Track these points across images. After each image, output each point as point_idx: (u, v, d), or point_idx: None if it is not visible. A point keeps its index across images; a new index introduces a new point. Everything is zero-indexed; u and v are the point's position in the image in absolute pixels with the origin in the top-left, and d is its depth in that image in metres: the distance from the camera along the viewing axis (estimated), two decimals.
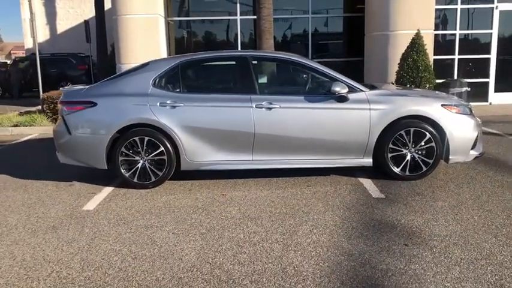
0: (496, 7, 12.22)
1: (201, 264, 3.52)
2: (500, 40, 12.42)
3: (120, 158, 5.45)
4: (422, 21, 11.26)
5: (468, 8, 12.41)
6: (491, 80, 12.61)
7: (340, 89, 5.26)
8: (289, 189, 5.36)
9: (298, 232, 4.08)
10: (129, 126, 5.41)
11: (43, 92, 12.12)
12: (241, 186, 5.53)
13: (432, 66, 10.59)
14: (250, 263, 3.52)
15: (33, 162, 7.21)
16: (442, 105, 5.45)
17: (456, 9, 12.28)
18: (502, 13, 12.26)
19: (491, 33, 12.40)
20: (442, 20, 12.57)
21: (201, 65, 5.91)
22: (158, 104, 5.40)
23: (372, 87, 5.74)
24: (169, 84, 5.60)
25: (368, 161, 5.49)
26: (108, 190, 5.52)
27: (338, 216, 4.45)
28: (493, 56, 12.51)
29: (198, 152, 5.45)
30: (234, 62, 5.65)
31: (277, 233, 4.06)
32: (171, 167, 5.48)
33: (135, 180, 5.49)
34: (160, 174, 5.49)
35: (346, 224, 4.25)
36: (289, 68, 5.81)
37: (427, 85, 10.39)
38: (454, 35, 12.49)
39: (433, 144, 5.41)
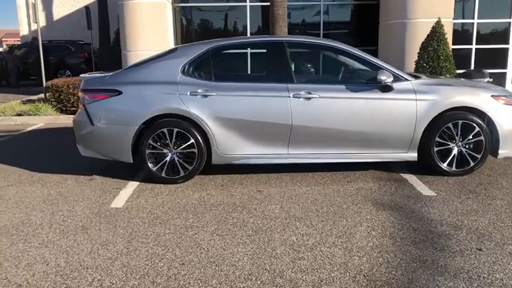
0: None
1: (258, 271, 3.16)
2: None
3: (147, 151, 5.06)
4: (442, 10, 10.87)
5: None
6: (509, 70, 12.29)
7: (386, 77, 4.90)
8: (329, 185, 5.00)
9: (356, 234, 3.72)
10: (157, 116, 5.01)
11: (50, 80, 11.61)
12: (276, 181, 5.17)
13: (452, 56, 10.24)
14: (314, 270, 3.16)
15: (45, 153, 6.79)
16: (491, 96, 5.10)
17: None
18: None
19: (509, 22, 12.05)
20: (460, 8, 12.19)
21: (233, 51, 5.51)
22: (188, 93, 5.00)
23: (415, 76, 5.38)
24: (200, 72, 5.20)
25: (413, 155, 5.14)
26: (133, 185, 5.14)
27: (393, 216, 4.11)
28: (511, 46, 12.18)
29: (231, 145, 5.07)
30: (268, 48, 5.25)
31: (333, 236, 3.71)
32: (201, 161, 5.10)
33: (163, 174, 5.10)
34: (190, 168, 5.10)
35: (405, 225, 3.90)
36: (328, 54, 5.44)
37: (448, 75, 10.05)
38: (472, 24, 12.12)
39: (481, 137, 5.07)
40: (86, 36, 18.27)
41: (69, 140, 7.59)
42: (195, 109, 4.97)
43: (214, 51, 5.22)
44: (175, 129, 5.02)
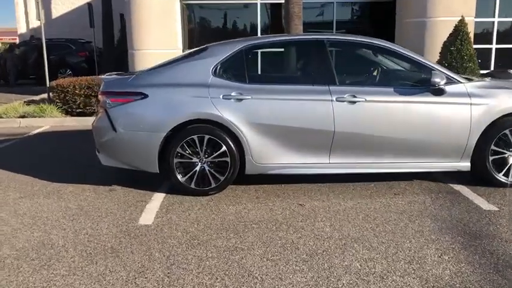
0: None
1: None
2: None
3: (175, 160, 4.59)
4: (464, 8, 10.46)
5: None
6: None
7: (440, 80, 4.46)
8: (376, 198, 4.56)
9: (426, 259, 3.28)
10: (186, 122, 4.55)
11: (50, 79, 11.10)
12: (316, 193, 4.72)
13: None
14: None
15: (56, 159, 6.31)
16: None
17: None
18: None
19: None
20: (479, 7, 11.76)
21: (269, 51, 5.05)
22: (221, 96, 4.54)
23: (467, 78, 4.94)
24: (232, 73, 4.74)
25: (465, 164, 4.70)
26: (159, 197, 4.67)
27: (460, 235, 3.67)
28: None
29: (267, 153, 4.61)
30: (308, 47, 4.79)
31: (401, 261, 3.26)
32: (234, 171, 4.64)
33: (193, 185, 4.64)
34: (222, 178, 4.64)
35: (478, 247, 3.47)
36: (373, 54, 4.98)
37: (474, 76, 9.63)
38: (492, 22, 11.72)
39: None
40: (85, 34, 17.77)
41: (79, 145, 7.15)
42: (229, 114, 4.52)
43: (247, 50, 4.76)
44: (207, 136, 4.56)
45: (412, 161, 4.68)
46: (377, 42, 4.81)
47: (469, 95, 4.58)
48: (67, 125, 9.25)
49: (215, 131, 4.55)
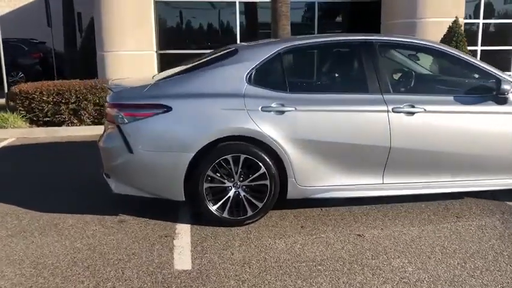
0: None
1: None
2: None
3: (205, 185, 3.82)
4: (454, 9, 10.22)
5: None
6: None
7: (510, 87, 3.93)
8: (438, 223, 4.00)
9: None
10: (217, 140, 3.79)
11: (9, 84, 9.91)
12: (368, 219, 4.09)
13: None
14: None
15: (37, 181, 5.33)
16: None
17: None
18: None
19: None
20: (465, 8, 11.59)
21: (310, 54, 4.36)
22: (260, 108, 3.82)
23: None
24: (270, 80, 4.02)
25: None
26: (184, 230, 3.89)
27: None
28: None
29: (312, 174, 3.93)
30: (356, 49, 4.13)
31: None
32: (274, 196, 3.93)
33: (226, 215, 3.88)
34: (260, 205, 3.92)
35: None
36: (428, 58, 4.40)
37: None
38: (477, 24, 11.57)
39: None
40: (35, 34, 16.37)
41: (58, 161, 6.22)
42: (269, 129, 3.80)
43: (286, 53, 4.06)
44: (243, 156, 3.82)
45: (472, 178, 4.14)
46: (431, 45, 4.24)
47: None
48: (36, 137, 8.17)
49: (252, 149, 3.82)
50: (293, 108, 3.83)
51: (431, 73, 4.36)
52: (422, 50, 4.30)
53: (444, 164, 4.05)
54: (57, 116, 8.78)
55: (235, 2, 11.58)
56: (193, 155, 3.76)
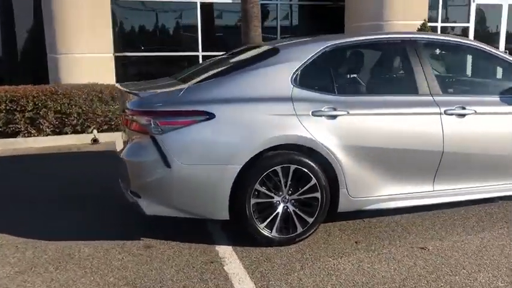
0: (473, 0, 11.84)
1: None
2: (477, 33, 12.10)
3: (252, 201, 3.37)
4: (420, 12, 10.39)
5: (447, 0, 11.86)
6: None
7: None
8: (492, 230, 3.82)
9: None
10: (265, 149, 3.35)
11: None
12: (418, 229, 3.84)
13: None
14: None
15: (21, 201, 4.57)
16: None
17: (438, 0, 11.63)
18: (479, 7, 11.94)
19: (468, 27, 12.02)
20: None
21: (354, 53, 4.01)
22: (310, 112, 3.43)
23: None
24: (317, 82, 3.64)
25: None
26: (228, 253, 3.42)
27: None
28: None
29: (365, 184, 3.61)
30: (403, 49, 3.85)
31: None
32: (325, 209, 3.56)
33: (275, 233, 3.46)
34: (311, 221, 3.53)
35: None
36: (470, 58, 4.21)
37: None
38: (436, 27, 11.86)
39: None
40: None
41: (28, 177, 5.42)
42: (321, 135, 3.42)
43: (331, 52, 3.69)
44: (293, 166, 3.41)
45: (506, 182, 3.99)
46: (473, 44, 4.05)
47: None
48: None
49: (303, 158, 3.43)
50: (345, 112, 3.48)
51: (474, 73, 4.19)
52: (464, 48, 4.10)
53: (490, 167, 3.89)
54: (10, 126, 7.82)
55: (196, 2, 11.04)
56: (240, 167, 3.30)
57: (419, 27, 9.72)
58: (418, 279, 3.01)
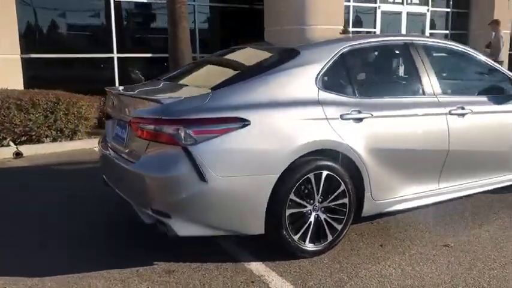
0: (379, 7, 12.69)
1: None
2: None
3: (287, 212, 3.17)
4: (338, 17, 10.86)
5: (356, 6, 12.54)
6: None
7: None
8: (496, 220, 4.03)
9: None
10: (301, 156, 3.19)
11: None
12: (428, 227, 3.92)
13: None
14: None
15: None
16: None
17: (349, 6, 12.25)
18: (384, 13, 12.82)
19: (375, 31, 12.84)
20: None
21: (370, 55, 3.96)
22: (339, 115, 3.33)
23: None
24: (338, 84, 3.54)
25: None
26: (264, 269, 3.18)
27: None
28: None
29: (386, 187, 3.61)
30: (408, 50, 3.91)
31: None
32: (352, 215, 3.48)
33: (308, 244, 3.30)
34: (339, 228, 3.43)
35: None
36: (458, 61, 4.39)
37: None
38: (348, 32, 12.47)
39: None
40: None
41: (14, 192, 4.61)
42: (350, 140, 3.35)
43: (348, 54, 3.61)
44: (324, 173, 3.28)
45: (499, 174, 4.30)
46: (462, 48, 4.26)
47: None
48: None
49: (333, 164, 3.31)
50: (369, 115, 3.44)
51: (461, 74, 4.40)
52: (454, 52, 4.28)
53: (485, 163, 4.13)
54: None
55: (110, 1, 10.30)
56: (277, 176, 3.08)
57: (340, 31, 10.13)
58: (463, 278, 3.05)
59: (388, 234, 3.77)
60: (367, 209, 3.54)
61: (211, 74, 3.97)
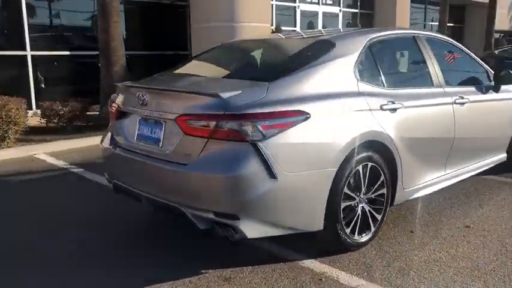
0: (298, 6, 13.07)
1: None
2: None
3: (342, 205, 3.14)
4: (265, 15, 11.01)
5: (278, 5, 12.78)
6: None
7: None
8: (490, 200, 4.36)
9: None
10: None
11: None
12: (442, 209, 4.12)
13: None
14: None
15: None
16: None
17: (272, 5, 12.43)
18: (303, 12, 13.22)
19: (295, 30, 13.19)
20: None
21: (390, 46, 3.98)
22: (379, 106, 3.37)
23: None
24: (370, 75, 3.54)
25: (504, 155, 5.00)
26: (318, 266, 3.10)
27: None
28: None
29: (413, 175, 3.74)
30: (414, 43, 4.07)
31: None
32: (388, 205, 3.55)
33: (356, 236, 3.29)
34: (379, 218, 3.48)
35: None
36: (449, 53, 4.61)
37: None
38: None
39: None
40: None
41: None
42: (389, 130, 3.40)
43: (374, 45, 3.64)
44: (369, 164, 3.30)
45: (484, 158, 4.66)
46: (452, 41, 4.54)
47: (508, 90, 4.86)
48: None
49: (376, 154, 3.34)
50: (401, 105, 3.52)
51: (455, 66, 4.65)
52: (450, 45, 4.54)
53: (477, 148, 4.45)
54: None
55: None
56: (336, 169, 3.02)
57: (273, 29, 10.26)
58: (505, 255, 3.25)
59: (409, 220, 3.89)
60: (398, 197, 3.61)
61: (243, 64, 3.81)
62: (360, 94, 3.28)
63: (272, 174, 2.73)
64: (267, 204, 2.77)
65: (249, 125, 2.70)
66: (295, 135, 2.83)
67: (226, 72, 3.76)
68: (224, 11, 10.64)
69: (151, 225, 3.88)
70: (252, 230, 2.78)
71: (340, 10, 14.33)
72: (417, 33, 4.13)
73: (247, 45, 4.14)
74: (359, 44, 3.51)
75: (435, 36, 4.41)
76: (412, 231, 3.67)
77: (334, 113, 3.07)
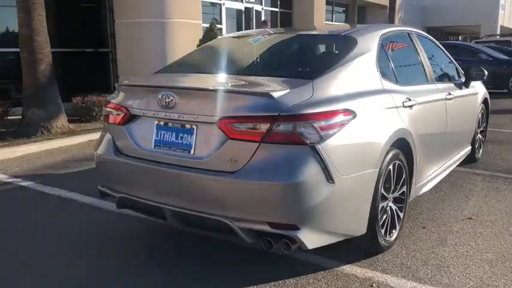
0: (223, 4, 12.85)
1: None
2: (229, 32, 13.17)
3: (380, 205, 3.06)
4: (195, 12, 10.69)
5: (204, 2, 12.43)
6: None
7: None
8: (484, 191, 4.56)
9: None
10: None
11: None
12: (435, 203, 4.21)
13: None
14: None
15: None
16: None
17: (199, 1, 12.06)
18: (228, 9, 13.03)
19: (221, 28, 12.97)
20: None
21: (395, 43, 3.90)
22: (401, 103, 3.35)
23: None
24: (385, 72, 3.48)
25: (470, 148, 5.28)
26: (361, 272, 2.99)
27: None
28: None
29: (422, 170, 3.78)
30: (411, 40, 4.11)
31: None
32: (407, 202, 3.54)
33: (387, 237, 3.22)
34: (402, 216, 3.45)
35: None
36: (435, 51, 4.68)
37: None
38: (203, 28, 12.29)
39: None
40: None
41: None
42: (410, 127, 3.39)
43: (384, 41, 3.59)
44: (397, 163, 3.25)
45: (460, 150, 4.85)
46: (434, 40, 4.67)
47: (473, 85, 5.14)
48: None
49: (401, 152, 3.30)
50: (415, 101, 3.52)
51: (438, 63, 4.74)
52: (433, 43, 4.63)
53: (460, 138, 4.65)
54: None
55: None
56: (378, 170, 2.92)
57: (208, 26, 9.98)
58: None
59: (414, 216, 3.91)
60: (412, 194, 3.61)
61: (266, 60, 3.57)
62: (385, 91, 3.22)
63: (330, 178, 2.55)
64: (326, 210, 2.58)
65: (307, 127, 2.48)
66: (347, 135, 2.68)
67: (250, 69, 3.47)
68: (152, 6, 10.11)
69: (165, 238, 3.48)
70: (311, 240, 2.57)
71: (262, 8, 14.35)
72: (410, 30, 4.17)
73: (261, 40, 3.88)
74: (376, 40, 3.45)
75: (420, 33, 4.49)
76: (424, 227, 3.68)
77: (374, 111, 2.98)
